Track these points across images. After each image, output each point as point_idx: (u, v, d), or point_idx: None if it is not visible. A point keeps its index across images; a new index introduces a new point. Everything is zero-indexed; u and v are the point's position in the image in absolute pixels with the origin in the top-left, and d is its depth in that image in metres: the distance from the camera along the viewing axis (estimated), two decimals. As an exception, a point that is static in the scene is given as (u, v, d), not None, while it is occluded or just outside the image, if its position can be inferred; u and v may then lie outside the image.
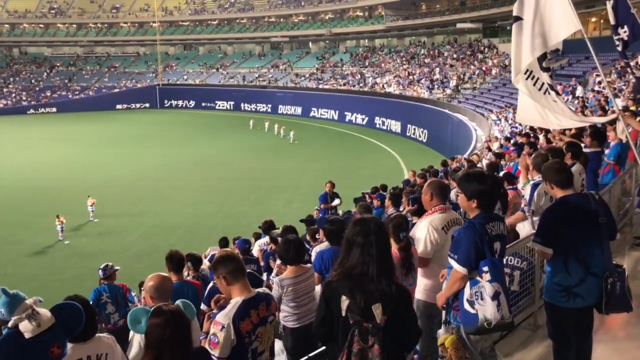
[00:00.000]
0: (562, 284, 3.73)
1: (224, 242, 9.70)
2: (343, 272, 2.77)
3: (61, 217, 19.32)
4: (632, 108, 10.60)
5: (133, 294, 7.47)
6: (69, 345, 3.14)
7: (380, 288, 2.68)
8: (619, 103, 13.32)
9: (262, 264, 7.70)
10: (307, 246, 6.81)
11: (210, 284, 5.55)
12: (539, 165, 5.68)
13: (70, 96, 70.41)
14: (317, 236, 7.03)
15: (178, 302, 2.85)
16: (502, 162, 11.21)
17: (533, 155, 5.90)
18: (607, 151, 8.14)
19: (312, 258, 6.00)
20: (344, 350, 2.64)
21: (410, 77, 50.03)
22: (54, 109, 66.08)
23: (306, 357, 2.78)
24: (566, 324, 3.82)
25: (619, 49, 7.52)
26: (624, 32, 7.58)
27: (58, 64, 77.77)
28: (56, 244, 18.89)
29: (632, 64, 22.15)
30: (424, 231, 4.32)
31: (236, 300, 3.13)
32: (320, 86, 58.27)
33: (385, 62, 57.90)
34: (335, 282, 2.77)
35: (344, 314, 2.68)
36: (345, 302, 2.69)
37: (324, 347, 2.93)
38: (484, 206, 3.46)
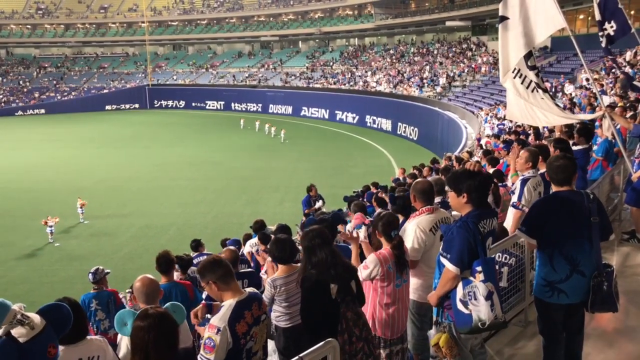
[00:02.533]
0: (547, 279, 3.74)
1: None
2: (319, 267, 3.60)
3: (51, 218, 19.16)
4: (620, 104, 10.68)
5: (125, 299, 7.31)
6: (60, 348, 3.12)
7: (340, 270, 3.62)
8: (607, 100, 13.42)
9: (252, 264, 7.68)
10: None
11: None
12: (530, 162, 5.71)
13: (59, 97, 69.94)
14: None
15: (167, 305, 2.83)
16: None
17: (522, 151, 5.93)
18: (595, 147, 8.20)
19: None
20: (342, 320, 3.53)
21: (400, 75, 50.13)
22: (43, 110, 65.57)
23: (297, 357, 2.77)
24: (553, 319, 3.83)
25: (603, 44, 7.58)
26: (610, 27, 7.64)
27: (46, 65, 77.21)
28: (46, 246, 18.74)
29: (619, 60, 22.35)
30: (411, 234, 4.30)
31: (229, 302, 3.11)
32: (311, 85, 58.26)
33: (375, 61, 57.98)
34: (318, 274, 3.56)
35: (333, 297, 3.53)
36: (334, 287, 3.54)
37: (318, 345, 2.94)
38: (475, 201, 3.45)
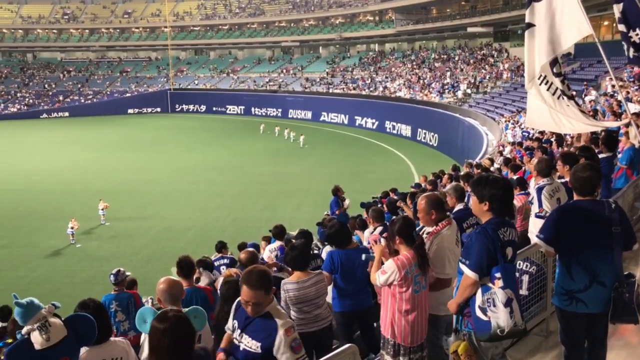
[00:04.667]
0: (565, 287, 3.70)
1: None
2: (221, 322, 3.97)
3: (74, 221, 19.47)
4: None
5: (144, 301, 7.32)
6: (85, 349, 3.15)
7: None
8: (632, 107, 13.18)
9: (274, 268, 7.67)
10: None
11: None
12: (542, 170, 5.65)
13: (82, 100, 71.10)
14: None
15: (189, 309, 2.83)
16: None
17: (537, 161, 5.88)
18: (619, 155, 8.06)
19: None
20: None
21: (421, 81, 49.93)
22: (67, 114, 66.73)
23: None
24: (574, 329, 3.78)
25: (630, 54, 7.46)
26: (636, 35, 7.53)
27: (71, 69, 78.59)
28: (68, 247, 19.05)
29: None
30: (438, 252, 4.19)
31: None
32: (331, 90, 58.33)
33: (395, 67, 57.85)
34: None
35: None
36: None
37: (338, 350, 2.95)
38: (496, 210, 3.43)
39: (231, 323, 3.44)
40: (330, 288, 5.27)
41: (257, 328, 3.22)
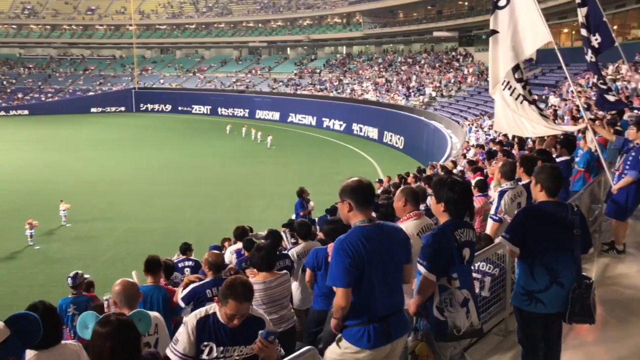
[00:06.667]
0: (526, 288, 3.78)
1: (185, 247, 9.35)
2: None
3: (32, 221, 18.90)
4: (608, 117, 10.87)
5: (104, 299, 7.16)
6: (33, 353, 3.06)
7: None
8: (589, 113, 13.59)
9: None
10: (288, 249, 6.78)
11: (191, 287, 5.45)
12: (506, 173, 5.78)
13: (43, 99, 69.18)
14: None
15: (133, 312, 2.76)
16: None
17: (501, 164, 6.01)
18: (577, 159, 8.31)
19: (292, 258, 6.04)
20: None
21: (387, 84, 50.42)
22: (26, 112, 64.77)
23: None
24: (532, 328, 3.86)
25: (588, 58, 7.69)
26: (595, 40, 7.79)
27: (31, 66, 76.36)
28: (26, 249, 18.48)
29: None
30: None
31: None
32: (298, 92, 58.33)
33: (363, 69, 58.25)
34: None
35: None
36: None
37: (298, 352, 2.94)
38: (452, 212, 3.50)
39: (196, 349, 3.16)
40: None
41: (249, 331, 3.13)
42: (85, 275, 7.04)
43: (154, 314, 3.72)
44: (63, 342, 3.24)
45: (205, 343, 3.14)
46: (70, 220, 21.03)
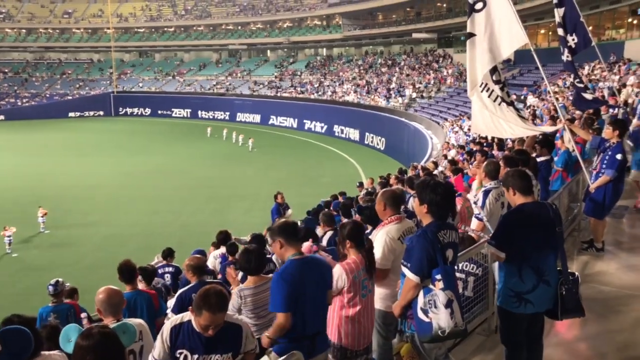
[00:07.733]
0: (515, 289, 3.80)
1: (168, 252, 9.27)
2: None
3: (9, 228, 18.56)
4: (585, 116, 11.06)
5: (83, 316, 6.89)
6: None
7: None
8: (566, 113, 13.83)
9: (219, 276, 7.58)
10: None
11: (180, 291, 5.42)
12: (491, 172, 5.84)
13: (19, 103, 68.00)
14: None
15: (117, 325, 2.72)
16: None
17: (485, 163, 6.07)
18: (555, 159, 8.44)
19: (276, 263, 6.05)
20: None
21: (368, 85, 50.62)
22: (2, 117, 63.51)
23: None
24: (518, 329, 3.90)
25: (565, 58, 7.82)
26: (572, 40, 7.92)
27: (6, 70, 75.00)
28: (3, 257, 18.14)
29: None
30: (381, 242, 4.27)
31: None
32: (279, 94, 58.26)
33: (343, 71, 58.41)
34: None
35: None
36: None
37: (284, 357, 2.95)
38: (435, 214, 3.54)
39: (170, 356, 3.11)
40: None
41: (225, 339, 3.10)
42: (66, 284, 6.91)
43: (137, 321, 3.67)
44: (45, 352, 3.17)
45: (180, 351, 3.10)
46: (49, 226, 20.71)
